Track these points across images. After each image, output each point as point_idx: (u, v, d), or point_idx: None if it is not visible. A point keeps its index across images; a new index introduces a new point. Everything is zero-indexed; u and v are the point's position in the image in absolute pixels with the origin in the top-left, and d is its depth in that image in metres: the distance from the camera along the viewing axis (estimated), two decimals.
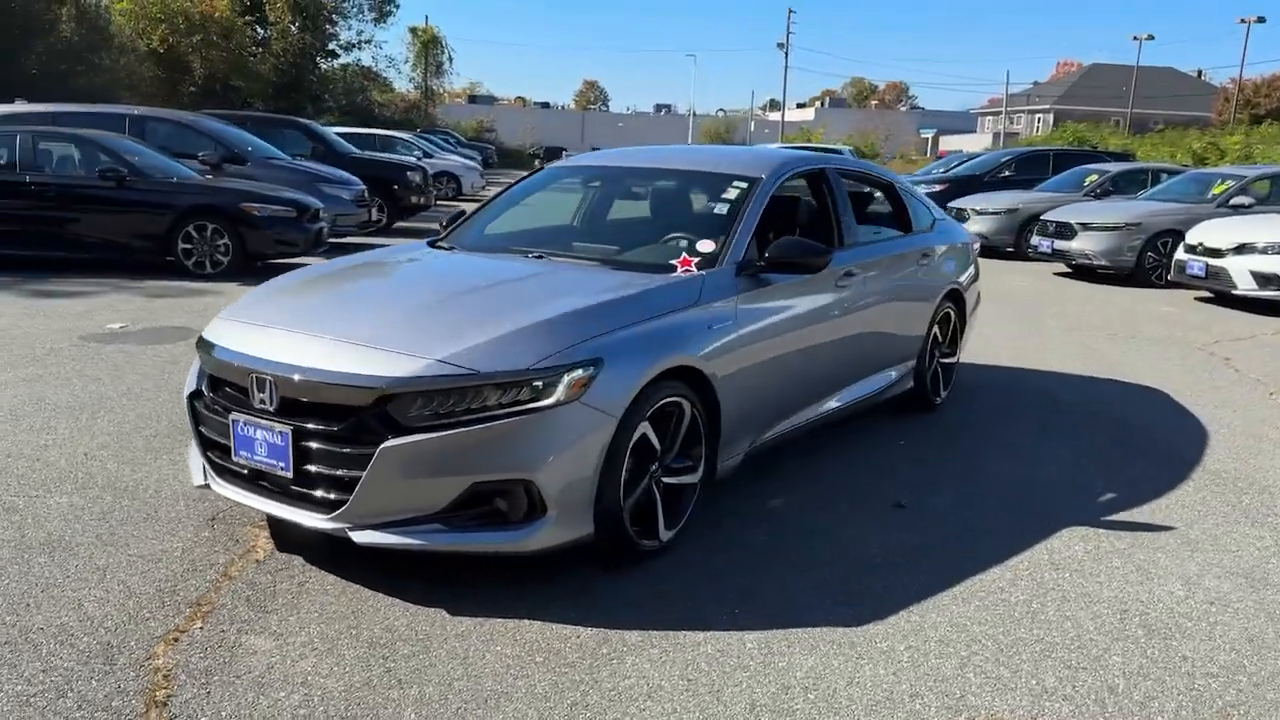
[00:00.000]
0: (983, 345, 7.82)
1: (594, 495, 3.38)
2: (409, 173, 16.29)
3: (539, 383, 3.25)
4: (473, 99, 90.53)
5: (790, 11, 60.99)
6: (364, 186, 14.02)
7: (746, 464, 4.35)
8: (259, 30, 45.38)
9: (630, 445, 3.47)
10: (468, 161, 26.98)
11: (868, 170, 6.30)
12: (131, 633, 3.01)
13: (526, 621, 3.22)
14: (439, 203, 20.16)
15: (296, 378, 3.30)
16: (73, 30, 27.02)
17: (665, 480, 3.76)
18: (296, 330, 3.54)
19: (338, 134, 24.39)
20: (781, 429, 4.53)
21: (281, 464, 3.36)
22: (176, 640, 2.99)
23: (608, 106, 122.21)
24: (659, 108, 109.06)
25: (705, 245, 4.28)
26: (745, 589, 3.54)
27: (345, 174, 14.08)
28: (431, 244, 4.87)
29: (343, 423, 3.25)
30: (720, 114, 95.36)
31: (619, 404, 3.39)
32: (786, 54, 60.39)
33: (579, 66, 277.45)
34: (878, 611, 3.40)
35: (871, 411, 5.68)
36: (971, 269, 6.47)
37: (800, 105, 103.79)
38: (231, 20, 39.89)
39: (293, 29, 45.27)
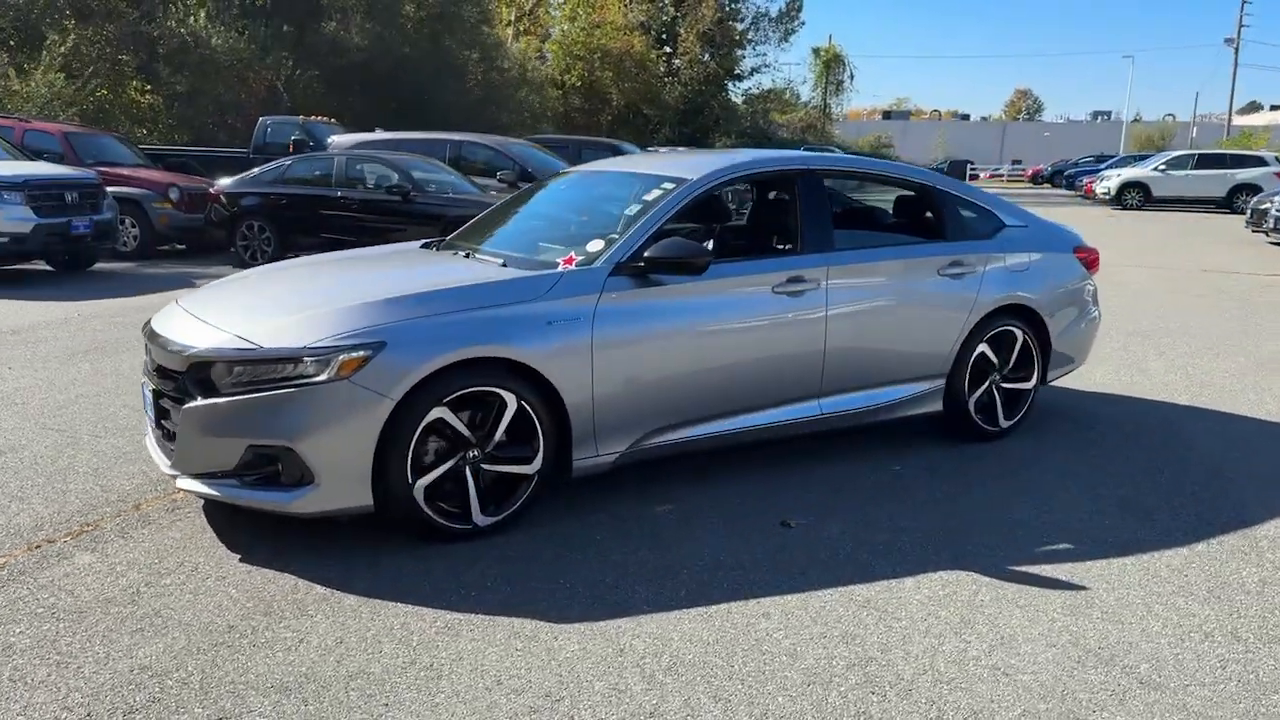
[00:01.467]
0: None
1: (371, 470, 3.66)
2: None
3: (310, 360, 3.61)
4: (887, 115, 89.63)
5: (1244, 2, 53.19)
6: None
7: (667, 467, 4.34)
8: (670, 62, 48.77)
9: (420, 428, 3.70)
10: None
11: (886, 172, 5.71)
12: (26, 529, 3.83)
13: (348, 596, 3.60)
14: None
15: (157, 346, 3.97)
16: (482, 72, 31.06)
17: (487, 468, 3.92)
18: (194, 313, 4.20)
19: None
20: (686, 436, 4.42)
21: (150, 416, 4.05)
22: (39, 546, 3.74)
23: (1040, 116, 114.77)
24: (1096, 114, 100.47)
25: (594, 245, 4.35)
26: (557, 582, 3.62)
27: None
28: (424, 244, 5.36)
29: (173, 385, 3.86)
30: (1169, 119, 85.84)
31: (397, 386, 3.64)
32: (1236, 50, 52.85)
33: (1010, 76, 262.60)
34: (618, 615, 3.34)
35: (896, 429, 5.27)
36: (1064, 284, 5.65)
37: (1276, 107, 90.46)
38: (646, 54, 43.35)
39: (703, 59, 48.08)
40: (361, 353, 3.64)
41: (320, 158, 13.19)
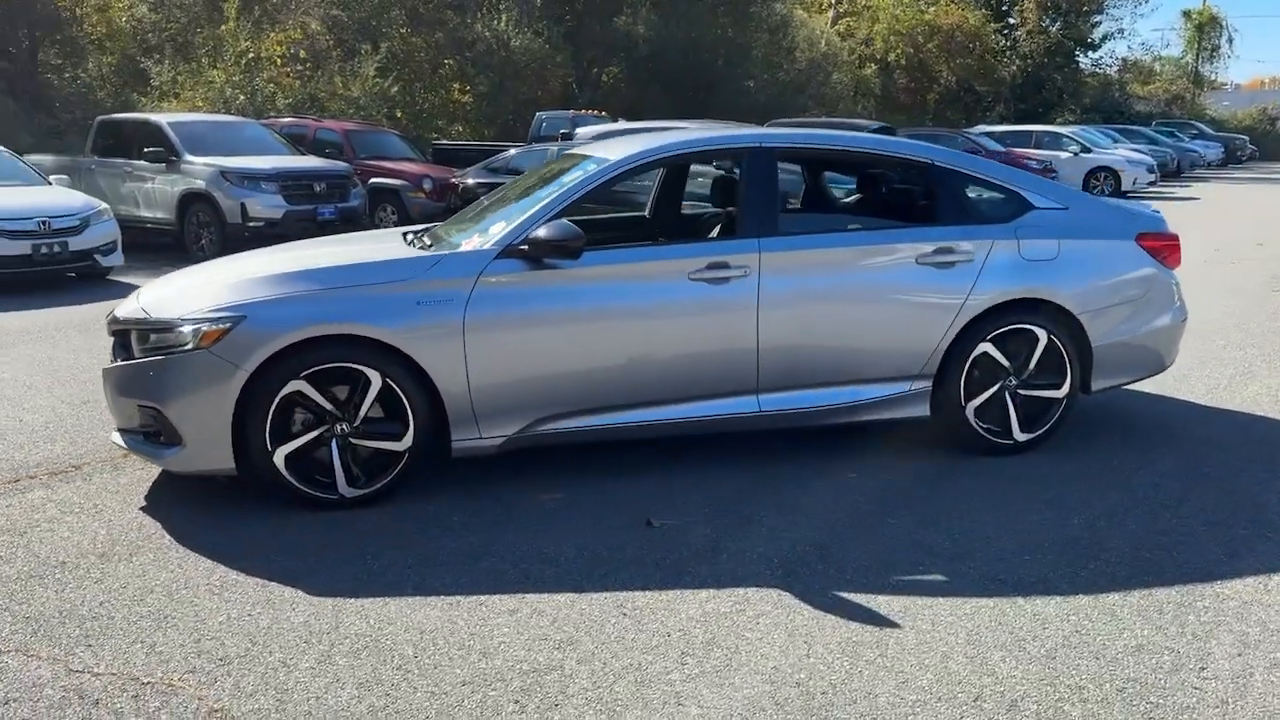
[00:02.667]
0: None
1: (231, 436, 3.96)
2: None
3: (181, 330, 3.97)
4: None
5: None
6: None
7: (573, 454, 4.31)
8: (1008, 34, 45.48)
9: (277, 399, 3.95)
10: (1137, 157, 24.22)
11: (866, 149, 5.03)
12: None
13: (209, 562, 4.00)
14: None
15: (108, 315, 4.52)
16: (783, 56, 30.91)
17: (358, 443, 4.09)
18: (159, 284, 4.71)
19: (983, 133, 24.08)
20: (590, 425, 4.30)
21: None
22: (17, 481, 4.44)
23: None
24: None
25: (497, 227, 4.35)
26: (364, 559, 3.77)
27: None
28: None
29: (116, 349, 4.37)
30: None
31: (251, 358, 3.90)
32: None
33: None
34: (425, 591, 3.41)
35: (901, 433, 4.79)
36: (1113, 276, 4.77)
37: None
38: (981, 27, 40.79)
39: (1046, 27, 44.41)
40: (221, 325, 3.94)
41: (536, 150, 13.89)
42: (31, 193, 10.64)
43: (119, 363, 4.15)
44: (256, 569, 3.56)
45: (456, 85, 25.87)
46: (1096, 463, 4.67)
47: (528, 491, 4.30)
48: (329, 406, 4.03)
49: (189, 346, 3.95)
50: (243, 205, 11.98)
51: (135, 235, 12.21)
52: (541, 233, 4.11)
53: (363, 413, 4.06)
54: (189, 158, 12.46)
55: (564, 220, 4.17)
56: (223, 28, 20.06)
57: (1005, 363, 4.68)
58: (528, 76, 24.63)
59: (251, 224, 11.99)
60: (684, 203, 5.80)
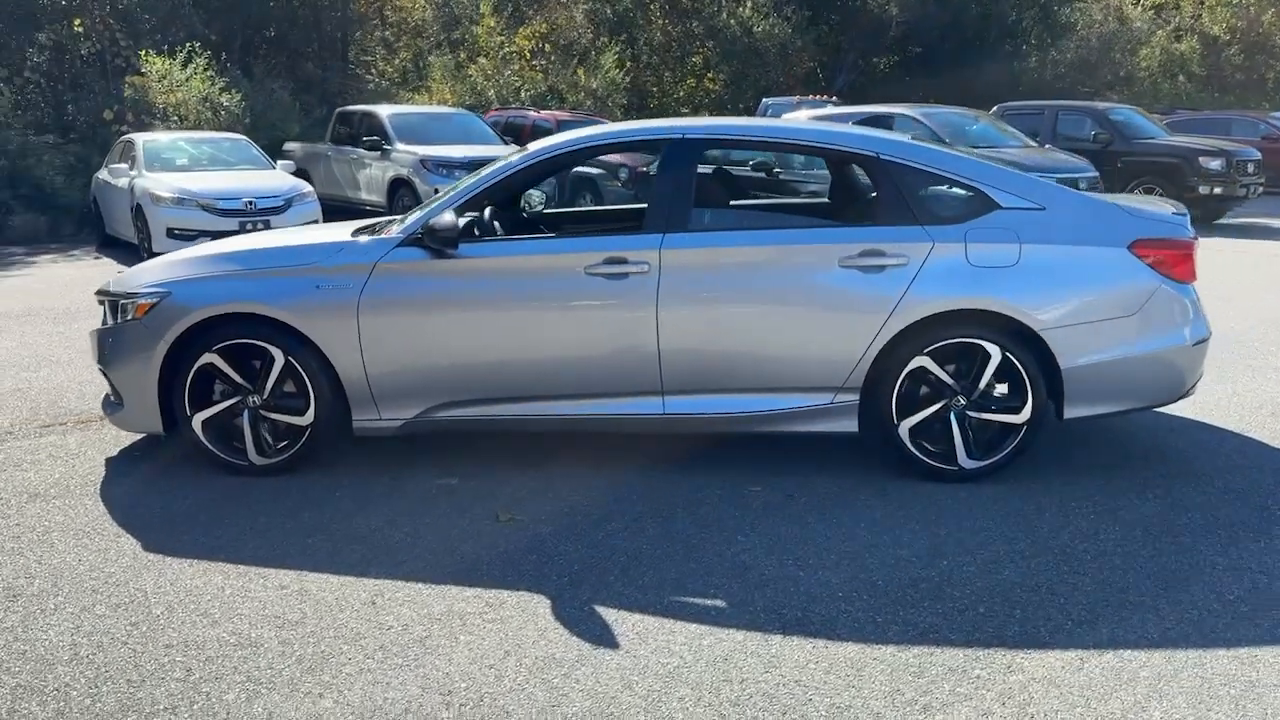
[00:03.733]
0: None
1: (158, 402, 4.39)
2: (1201, 159, 13.98)
3: (124, 302, 4.45)
4: None
5: None
6: (1095, 174, 12.88)
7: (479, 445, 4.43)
8: None
9: (193, 369, 4.33)
10: None
11: (800, 140, 4.61)
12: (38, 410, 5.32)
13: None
14: None
15: None
16: (1075, 38, 28.52)
17: (268, 415, 4.40)
18: (146, 262, 5.23)
19: None
20: (490, 414, 4.33)
21: None
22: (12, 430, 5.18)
23: None
24: None
25: (415, 216, 4.47)
26: (195, 524, 4.10)
27: (1076, 163, 13.11)
28: None
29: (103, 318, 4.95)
30: None
31: (170, 330, 4.30)
32: None
33: None
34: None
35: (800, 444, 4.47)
36: (1093, 289, 4.13)
37: None
38: None
39: None
40: (150, 299, 4.37)
41: None
42: (249, 175, 12.06)
43: (98, 330, 4.70)
44: (133, 521, 3.94)
45: (708, 74, 26.15)
46: (1025, 495, 4.09)
47: (430, 474, 4.41)
48: (239, 380, 4.35)
49: (129, 317, 4.41)
50: (436, 190, 12.85)
51: (356, 216, 13.50)
52: (429, 223, 4.19)
53: (269, 387, 4.34)
54: (399, 146, 13.56)
55: (448, 212, 4.22)
56: (478, 26, 21.52)
57: (950, 380, 4.19)
58: (771, 62, 24.42)
59: None
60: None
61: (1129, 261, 4.14)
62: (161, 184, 11.11)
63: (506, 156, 4.64)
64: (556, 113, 17.69)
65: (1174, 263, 4.18)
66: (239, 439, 4.41)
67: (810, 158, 8.01)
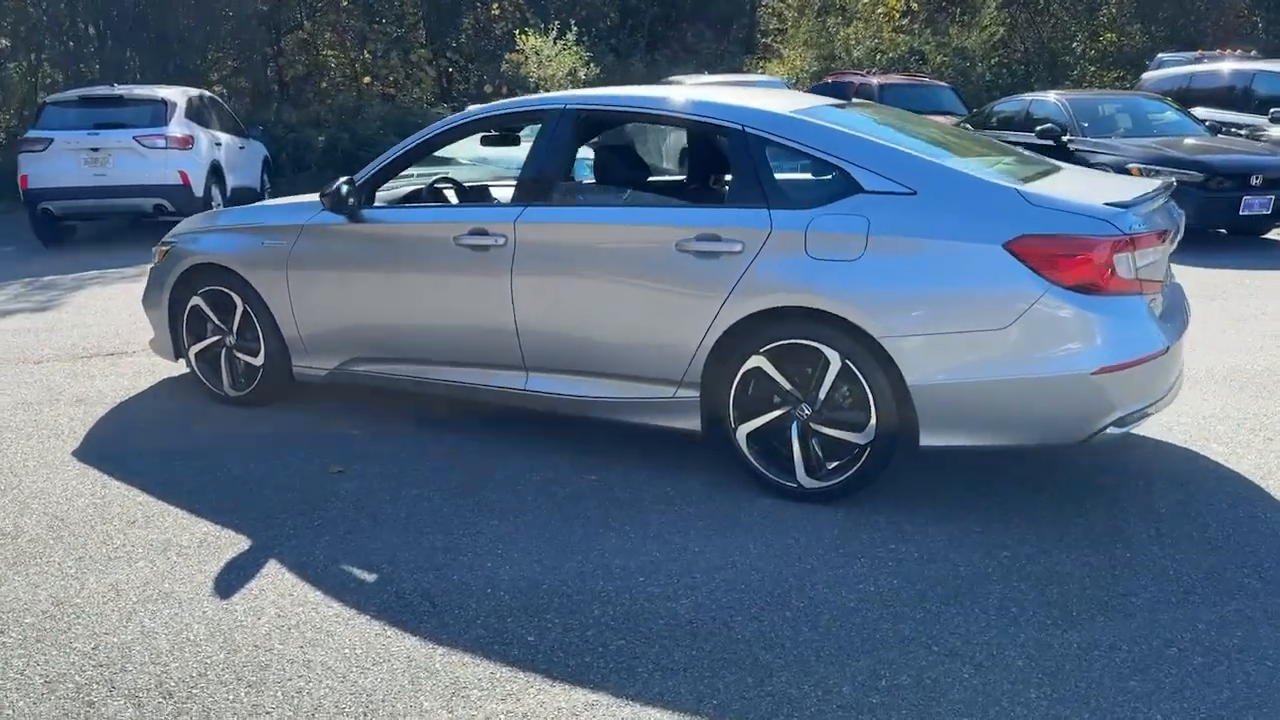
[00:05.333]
0: None
1: (169, 334, 5.21)
2: None
3: (156, 249, 5.33)
4: None
5: None
6: None
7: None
8: None
9: (186, 310, 5.09)
10: None
11: (670, 111, 4.17)
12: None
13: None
14: None
15: None
16: None
17: (233, 352, 5.04)
18: None
19: None
20: (389, 372, 4.56)
21: None
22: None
23: None
24: None
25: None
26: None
27: None
28: None
29: None
30: None
31: (169, 277, 5.09)
32: None
33: None
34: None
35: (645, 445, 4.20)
36: (944, 293, 3.38)
37: None
38: None
39: None
40: (165, 248, 5.19)
41: (1029, 98, 12.18)
42: None
43: None
44: (88, 449, 4.77)
45: (1121, 27, 23.18)
46: (864, 526, 3.46)
47: (340, 426, 4.79)
48: (218, 322, 5.03)
49: (155, 262, 5.28)
50: None
51: None
52: (324, 189, 4.51)
53: (234, 330, 4.97)
54: None
55: (351, 179, 4.49)
56: None
57: (788, 386, 3.69)
58: (1200, 12, 21.01)
59: None
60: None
61: (1003, 262, 3.33)
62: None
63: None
64: (888, 76, 16.83)
65: (1070, 266, 3.28)
66: (219, 372, 5.09)
67: None
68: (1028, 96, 12.12)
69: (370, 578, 3.25)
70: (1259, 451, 4.17)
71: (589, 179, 4.85)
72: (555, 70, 18.63)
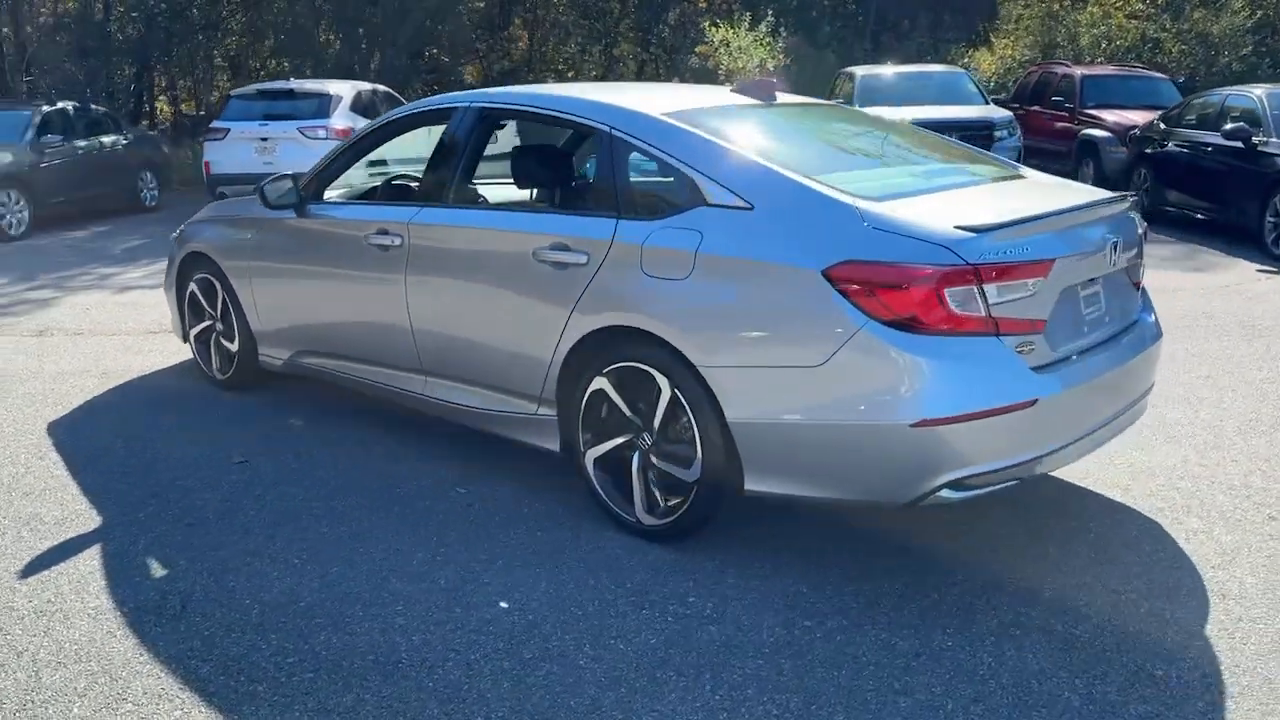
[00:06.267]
0: None
1: (178, 316, 5.55)
2: None
3: (173, 236, 5.67)
4: None
5: None
6: None
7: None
8: None
9: (187, 294, 5.38)
10: None
11: (551, 109, 3.87)
12: None
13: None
14: None
15: None
16: None
17: (219, 338, 5.28)
18: None
19: None
20: (328, 367, 4.61)
21: None
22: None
23: None
24: None
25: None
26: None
27: None
28: None
29: None
30: None
31: (174, 265, 5.42)
32: None
33: None
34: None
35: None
36: (758, 323, 2.97)
37: None
38: None
39: None
40: (174, 236, 5.52)
41: (1227, 92, 10.67)
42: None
43: None
44: (66, 420, 5.15)
45: None
46: (692, 574, 3.12)
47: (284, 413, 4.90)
48: (208, 308, 5.29)
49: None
50: None
51: None
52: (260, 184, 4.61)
53: (219, 316, 5.21)
54: (859, 109, 13.21)
55: (294, 175, 4.55)
56: None
57: (628, 412, 3.40)
58: None
59: None
60: None
61: (821, 290, 2.88)
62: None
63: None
64: (1093, 67, 15.26)
65: (888, 299, 2.80)
66: (209, 355, 5.35)
67: None
68: (1226, 90, 10.62)
69: (159, 573, 3.29)
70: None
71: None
72: (745, 62, 18.31)
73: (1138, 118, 12.86)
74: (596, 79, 22.26)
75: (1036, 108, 14.63)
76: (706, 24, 19.00)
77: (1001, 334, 2.85)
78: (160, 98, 25.17)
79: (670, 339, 3.15)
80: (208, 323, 5.26)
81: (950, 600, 3.01)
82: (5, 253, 10.28)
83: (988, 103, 13.38)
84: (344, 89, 12.20)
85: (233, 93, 12.64)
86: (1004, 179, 3.69)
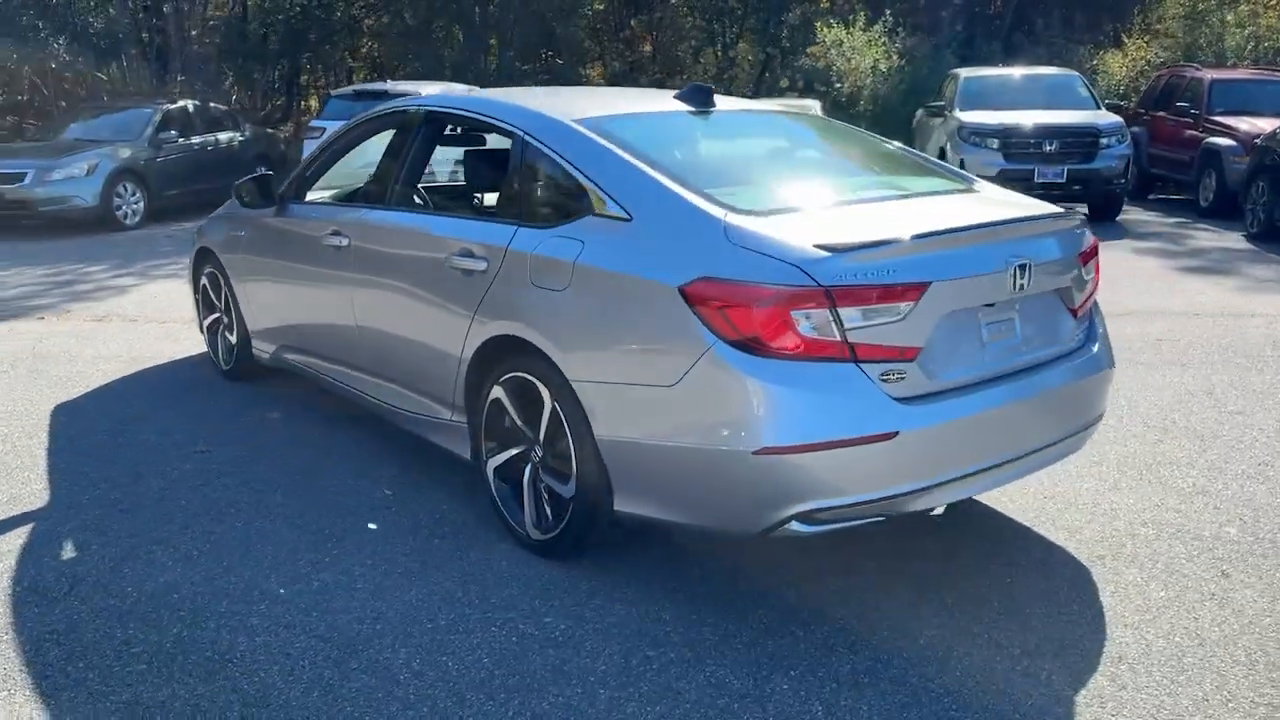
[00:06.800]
0: None
1: (196, 308, 5.81)
2: None
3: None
4: None
5: None
6: None
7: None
8: None
9: (200, 288, 5.64)
10: None
11: (473, 111, 3.84)
12: None
13: None
14: None
15: None
16: None
17: (224, 331, 5.50)
18: None
19: None
20: (306, 363, 4.71)
21: None
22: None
23: None
24: None
25: None
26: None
27: None
28: None
29: None
30: None
31: (193, 257, 5.67)
32: None
33: None
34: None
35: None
36: (620, 338, 2.87)
37: None
38: None
39: None
40: (197, 229, 5.76)
41: None
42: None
43: None
44: (74, 403, 5.43)
45: None
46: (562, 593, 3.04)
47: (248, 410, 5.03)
48: (215, 300, 5.50)
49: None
50: (961, 162, 11.87)
51: None
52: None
53: (223, 309, 5.41)
54: (958, 112, 12.69)
55: (263, 175, 4.68)
56: None
57: (520, 423, 3.34)
58: None
59: None
60: None
61: (676, 307, 2.75)
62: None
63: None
64: (1224, 71, 14.18)
65: (736, 319, 2.65)
66: (217, 347, 5.56)
67: None
68: None
69: (67, 555, 3.42)
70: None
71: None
72: (859, 63, 17.86)
73: (1270, 126, 11.90)
74: (712, 79, 22.13)
75: (1162, 114, 13.74)
76: (819, 24, 18.59)
77: (860, 361, 2.66)
78: (312, 96, 26.39)
79: (548, 351, 3.09)
80: (216, 315, 5.47)
81: (812, 641, 2.83)
82: (117, 241, 10.97)
83: (1099, 108, 12.61)
84: (435, 91, 12.50)
85: (333, 93, 13.14)
86: (937, 194, 3.45)
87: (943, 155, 12.49)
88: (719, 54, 22.22)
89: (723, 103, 3.91)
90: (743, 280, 2.64)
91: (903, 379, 2.71)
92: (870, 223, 2.89)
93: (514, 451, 3.39)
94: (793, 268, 2.62)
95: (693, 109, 3.76)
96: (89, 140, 12.33)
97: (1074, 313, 3.21)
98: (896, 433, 2.64)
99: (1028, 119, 11.80)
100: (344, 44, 23.02)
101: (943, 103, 13.16)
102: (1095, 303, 3.41)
